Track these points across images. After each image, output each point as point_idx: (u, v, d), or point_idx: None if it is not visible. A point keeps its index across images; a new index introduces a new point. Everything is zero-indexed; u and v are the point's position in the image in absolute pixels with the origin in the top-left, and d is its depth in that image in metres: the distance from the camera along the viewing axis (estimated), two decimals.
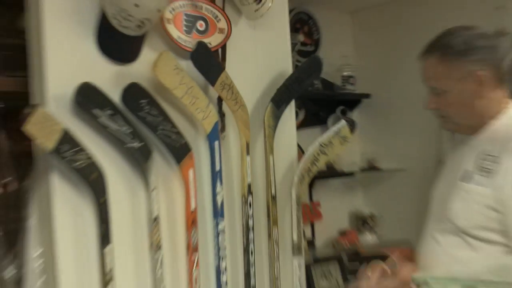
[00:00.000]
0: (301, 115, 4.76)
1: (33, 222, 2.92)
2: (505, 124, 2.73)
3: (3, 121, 3.04)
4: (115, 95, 2.78)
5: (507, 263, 2.61)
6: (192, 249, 2.95)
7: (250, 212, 3.17)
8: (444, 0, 4.95)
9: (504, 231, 2.63)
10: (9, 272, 2.94)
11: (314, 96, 4.92)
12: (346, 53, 5.40)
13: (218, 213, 3.06)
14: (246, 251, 3.17)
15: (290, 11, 3.63)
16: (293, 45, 3.66)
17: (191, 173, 2.96)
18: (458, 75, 2.71)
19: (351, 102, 5.25)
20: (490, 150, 2.68)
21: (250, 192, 3.17)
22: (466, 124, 2.80)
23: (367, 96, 5.23)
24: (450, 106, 2.77)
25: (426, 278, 2.05)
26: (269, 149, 3.24)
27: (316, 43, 5.26)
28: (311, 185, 4.94)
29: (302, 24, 5.18)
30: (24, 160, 3.08)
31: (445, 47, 2.74)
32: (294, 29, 4.64)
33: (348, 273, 4.92)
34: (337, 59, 5.27)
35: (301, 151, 3.96)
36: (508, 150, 2.62)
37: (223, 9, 3.20)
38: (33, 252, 2.91)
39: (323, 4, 5.20)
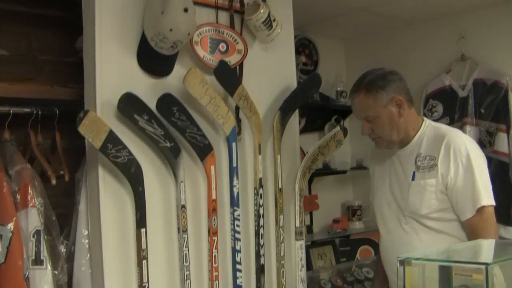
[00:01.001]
0: (303, 123, 4.75)
1: (82, 208, 2.93)
2: (427, 132, 2.98)
3: (58, 123, 3.04)
4: (151, 103, 2.80)
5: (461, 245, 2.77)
6: (212, 232, 2.96)
7: (261, 202, 3.17)
8: (418, 31, 4.98)
9: (453, 207, 2.86)
10: (62, 249, 2.94)
11: (313, 107, 4.91)
12: (340, 72, 5.41)
13: (234, 202, 3.06)
14: (257, 234, 3.16)
15: (294, 37, 3.63)
16: (296, 65, 3.66)
17: (212, 168, 2.96)
18: (383, 103, 2.91)
19: (344, 112, 5.23)
20: (425, 152, 2.93)
21: (261, 185, 3.17)
22: (396, 140, 2.98)
23: None
24: (382, 128, 2.95)
25: (409, 258, 2.05)
26: (277, 150, 3.23)
27: (315, 64, 5.27)
28: (310, 181, 4.93)
29: (304, 48, 5.19)
30: (74, 156, 3.09)
31: (368, 84, 2.93)
32: (297, 52, 4.64)
33: (340, 255, 4.91)
34: (332, 77, 5.28)
35: (302, 152, 3.95)
36: (440, 148, 2.86)
37: (241, 34, 3.21)
38: (82, 232, 2.92)
39: (321, 32, 5.22)
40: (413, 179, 2.93)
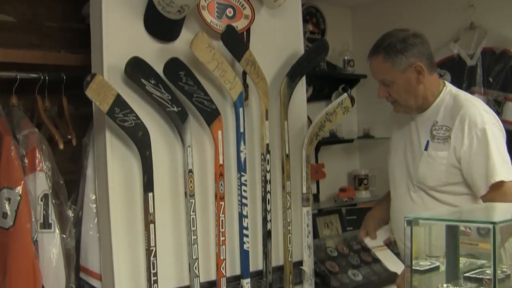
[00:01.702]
0: (310, 91, 4.73)
1: (89, 172, 2.95)
2: (447, 100, 2.90)
3: (65, 89, 3.05)
4: (158, 68, 2.81)
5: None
6: (219, 197, 2.98)
7: (268, 168, 3.19)
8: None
9: (465, 182, 2.81)
10: (70, 213, 2.96)
11: (320, 76, 4.91)
12: (347, 41, 5.38)
13: (241, 167, 3.08)
14: (264, 200, 3.19)
15: (302, 5, 3.63)
16: (304, 33, 3.65)
17: (219, 133, 2.98)
18: (401, 68, 2.83)
19: (351, 81, 5.23)
20: (441, 121, 2.86)
21: (268, 151, 3.19)
22: (414, 105, 2.91)
23: (364, 76, 5.21)
24: (398, 93, 2.89)
25: (416, 218, 2.05)
26: (284, 116, 3.25)
27: (322, 32, 5.25)
28: (317, 149, 4.93)
29: (311, 16, 5.17)
30: (81, 122, 3.11)
31: (387, 47, 2.85)
32: (304, 20, 4.61)
33: (347, 224, 4.93)
34: (339, 46, 5.26)
35: (309, 120, 3.95)
36: (455, 119, 2.79)
37: None
38: (89, 197, 2.94)
39: (328, 0, 5.20)
40: (425, 148, 2.89)
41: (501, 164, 2.72)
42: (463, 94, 2.96)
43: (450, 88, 2.96)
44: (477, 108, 2.81)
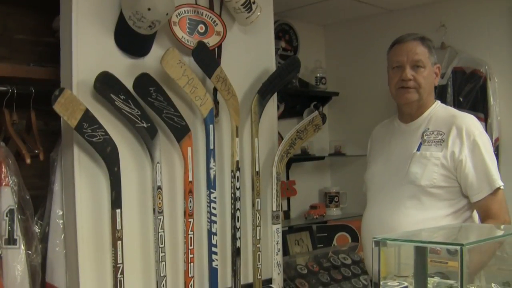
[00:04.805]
0: (281, 108, 4.74)
1: (57, 188, 2.91)
2: (438, 110, 3.02)
3: (34, 104, 3.01)
4: (128, 83, 2.79)
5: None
6: (188, 214, 2.95)
7: (238, 185, 3.16)
8: (399, 18, 5.01)
9: (449, 189, 2.89)
10: (36, 229, 2.92)
11: (292, 93, 4.91)
12: (319, 58, 5.39)
13: (211, 185, 3.05)
14: (233, 217, 3.16)
15: (274, 22, 3.63)
16: (276, 50, 3.64)
17: (189, 150, 2.95)
18: (432, 60, 2.99)
19: (323, 98, 5.24)
20: (433, 127, 2.96)
21: (238, 168, 3.16)
22: (422, 99, 2.98)
23: (336, 94, 5.23)
24: (424, 79, 2.95)
25: (384, 239, 2.03)
26: (255, 133, 3.23)
27: (295, 49, 5.25)
28: (288, 166, 4.92)
29: (284, 33, 5.17)
30: (50, 136, 3.06)
31: (423, 38, 3.01)
32: (277, 37, 4.62)
33: (317, 241, 4.92)
34: (311, 63, 5.27)
35: (280, 137, 3.94)
36: (451, 127, 2.89)
37: (220, 16, 3.19)
38: (56, 213, 2.90)
39: (301, 18, 5.20)
40: (418, 149, 2.95)
41: (495, 172, 2.86)
42: (454, 109, 3.15)
43: (440, 103, 3.08)
44: (472, 120, 2.94)
